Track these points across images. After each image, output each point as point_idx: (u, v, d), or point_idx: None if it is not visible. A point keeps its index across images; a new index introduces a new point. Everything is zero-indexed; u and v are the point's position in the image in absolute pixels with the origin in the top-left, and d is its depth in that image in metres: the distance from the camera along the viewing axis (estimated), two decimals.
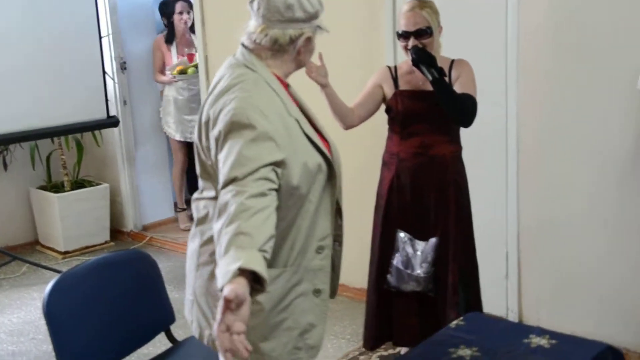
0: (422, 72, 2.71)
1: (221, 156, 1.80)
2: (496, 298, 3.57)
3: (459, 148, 2.94)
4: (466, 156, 3.53)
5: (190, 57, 5.27)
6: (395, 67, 2.98)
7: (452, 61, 2.88)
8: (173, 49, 5.36)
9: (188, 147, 5.52)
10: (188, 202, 5.89)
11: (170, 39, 5.37)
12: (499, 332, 2.19)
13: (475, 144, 3.50)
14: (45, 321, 2.25)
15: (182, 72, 5.23)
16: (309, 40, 1.97)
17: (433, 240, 2.85)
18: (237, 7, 4.45)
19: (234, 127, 1.80)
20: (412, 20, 2.77)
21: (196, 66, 5.15)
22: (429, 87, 2.74)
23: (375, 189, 3.04)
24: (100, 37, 4.98)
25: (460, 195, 2.90)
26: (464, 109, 2.73)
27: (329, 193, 1.97)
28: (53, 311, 2.25)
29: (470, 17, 3.46)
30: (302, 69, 2.15)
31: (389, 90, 2.92)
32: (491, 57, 3.40)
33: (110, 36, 5.27)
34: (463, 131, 3.50)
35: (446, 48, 3.16)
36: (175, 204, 5.68)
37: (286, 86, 2.02)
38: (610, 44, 3.05)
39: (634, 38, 2.96)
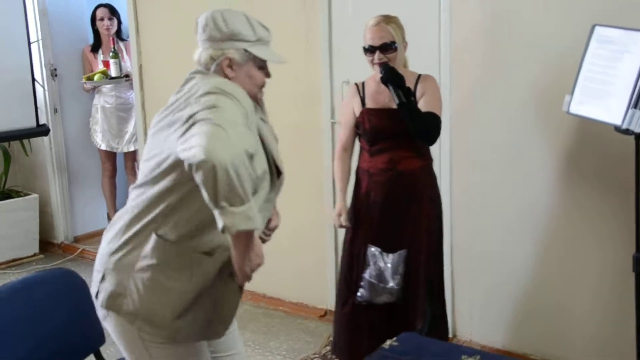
0: (390, 92, 2.75)
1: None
2: None
3: (428, 161, 2.99)
4: None
5: (106, 64, 5.14)
6: (363, 84, 3.01)
7: (419, 76, 2.92)
8: (99, 56, 5.24)
9: (115, 156, 5.42)
10: None
11: (95, 47, 5.25)
12: (432, 353, 2.21)
13: None
14: None
15: (90, 78, 5.11)
16: (232, 64, 2.00)
17: (402, 252, 2.90)
18: (170, 16, 4.43)
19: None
20: (377, 35, 2.82)
21: (105, 73, 5.05)
22: (395, 105, 2.79)
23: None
24: (30, 43, 4.82)
25: (432, 208, 2.96)
26: (428, 129, 2.79)
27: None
28: None
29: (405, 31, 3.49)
30: None
31: (357, 108, 2.98)
32: (425, 70, 3.42)
33: (40, 42, 5.11)
34: None
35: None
36: (108, 215, 5.54)
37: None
38: (539, 62, 3.13)
39: (560, 58, 3.04)
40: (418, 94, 2.88)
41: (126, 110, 5.23)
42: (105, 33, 5.17)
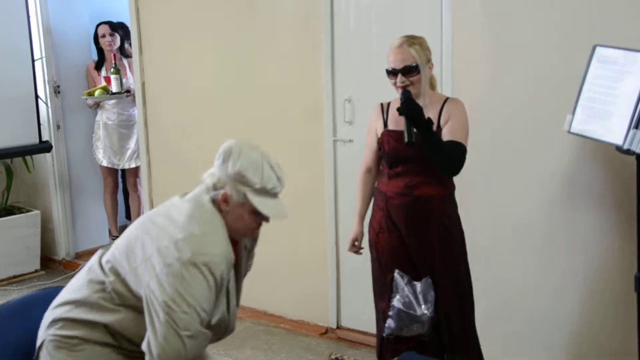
0: (404, 125, 2.61)
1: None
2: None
3: (447, 189, 2.85)
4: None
5: (107, 80, 5.17)
6: (388, 105, 2.91)
7: (446, 100, 2.82)
8: (102, 73, 5.27)
9: (117, 172, 5.45)
10: (123, 229, 5.81)
11: (99, 64, 5.28)
12: None
13: None
14: None
15: (90, 94, 5.14)
16: (228, 199, 2.07)
17: (428, 279, 2.78)
18: (174, 34, 4.45)
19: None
20: (399, 57, 2.72)
21: (105, 88, 5.07)
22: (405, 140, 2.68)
23: None
24: (34, 60, 4.85)
25: (446, 237, 2.82)
26: (450, 160, 2.67)
27: None
28: None
29: None
30: None
31: (379, 129, 2.89)
32: None
33: (44, 59, 5.14)
34: None
35: (380, 81, 3.20)
36: (109, 231, 5.55)
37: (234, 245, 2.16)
38: (545, 80, 3.14)
39: (564, 79, 3.05)
40: (443, 119, 2.76)
41: (128, 127, 5.25)
42: (107, 49, 5.20)
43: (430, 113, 2.73)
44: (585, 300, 3.16)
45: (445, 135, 2.72)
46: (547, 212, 3.21)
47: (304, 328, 4.05)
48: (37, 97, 4.87)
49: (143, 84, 4.66)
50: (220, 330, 2.15)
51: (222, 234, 2.05)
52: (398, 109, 2.64)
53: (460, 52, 3.32)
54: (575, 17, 3.03)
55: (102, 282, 2.11)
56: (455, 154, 2.68)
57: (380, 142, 2.87)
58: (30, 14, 4.90)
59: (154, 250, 2.01)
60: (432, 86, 2.87)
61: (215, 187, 2.08)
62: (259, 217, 2.12)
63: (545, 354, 3.29)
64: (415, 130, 2.58)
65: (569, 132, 2.72)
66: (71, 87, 5.33)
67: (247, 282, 4.06)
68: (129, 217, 5.80)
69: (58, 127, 5.30)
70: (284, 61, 3.94)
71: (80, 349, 2.09)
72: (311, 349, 3.82)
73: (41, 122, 4.91)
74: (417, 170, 2.77)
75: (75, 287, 2.20)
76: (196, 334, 1.97)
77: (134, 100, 4.96)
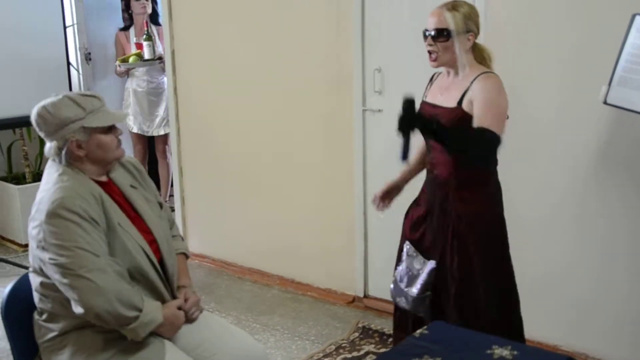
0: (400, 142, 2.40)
1: None
2: None
3: (470, 173, 2.57)
4: None
5: (139, 46, 5.19)
6: (438, 75, 2.75)
7: (476, 77, 2.51)
8: (132, 39, 5.28)
9: (147, 139, 5.49)
10: None
11: (127, 27, 5.30)
12: (463, 342, 2.19)
13: None
14: (2, 321, 2.23)
15: (124, 60, 5.16)
16: (81, 143, 2.13)
17: (431, 263, 2.64)
18: (204, 3, 4.44)
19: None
20: (434, 19, 2.54)
21: (139, 55, 5.09)
22: (444, 103, 2.54)
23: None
24: (65, 27, 4.88)
25: (459, 226, 2.58)
26: (473, 152, 2.44)
27: None
28: (12, 313, 2.22)
29: None
30: None
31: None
32: None
33: (75, 26, 5.17)
34: None
35: (412, 51, 3.16)
36: None
37: (104, 184, 2.23)
38: (575, 40, 3.08)
39: (599, 49, 2.99)
40: (465, 100, 2.49)
41: (157, 94, 5.28)
42: (141, 12, 5.20)
43: (456, 91, 2.53)
44: (628, 281, 3.13)
45: (474, 121, 2.44)
46: (580, 188, 3.17)
47: (331, 296, 4.08)
48: (68, 63, 4.91)
49: (173, 52, 4.66)
50: (143, 257, 2.18)
51: (70, 179, 2.12)
52: (398, 123, 2.37)
53: (493, 21, 3.27)
54: None
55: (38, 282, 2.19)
56: (481, 144, 2.40)
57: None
58: None
59: (29, 229, 2.13)
60: (483, 59, 2.61)
61: (59, 151, 2.15)
62: (110, 134, 2.20)
63: (587, 339, 3.27)
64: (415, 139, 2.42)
65: (604, 103, 2.67)
66: (101, 54, 5.37)
67: (275, 250, 4.10)
68: None
69: None
70: (312, 30, 3.91)
71: (65, 342, 2.15)
72: (338, 317, 3.85)
73: (73, 88, 4.95)
74: (439, 146, 2.55)
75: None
76: (96, 267, 2.02)
77: (164, 68, 4.98)
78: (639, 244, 3.05)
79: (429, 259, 2.66)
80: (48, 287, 2.12)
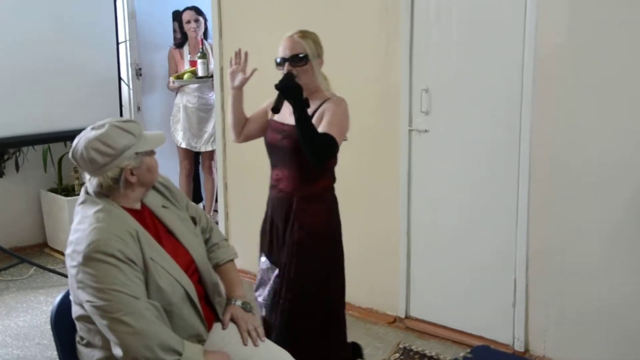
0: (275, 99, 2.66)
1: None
2: (503, 325, 3.55)
3: (312, 187, 2.79)
4: (479, 180, 3.53)
5: (193, 63, 5.30)
6: None
7: (328, 99, 2.79)
8: (186, 57, 5.40)
9: (194, 154, 5.57)
10: None
11: (181, 44, 5.41)
12: None
13: (487, 167, 3.51)
14: (52, 332, 2.27)
15: (179, 77, 5.26)
16: (133, 170, 2.15)
17: (275, 270, 2.85)
18: (253, 18, 4.51)
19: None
20: (288, 46, 2.75)
21: (194, 72, 5.19)
22: (291, 121, 2.69)
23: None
24: (118, 43, 5.01)
25: (303, 237, 2.78)
26: (315, 147, 2.62)
27: None
28: (61, 323, 2.26)
29: (487, 38, 3.45)
30: None
31: (269, 114, 2.90)
32: (507, 80, 3.39)
33: (127, 42, 5.30)
34: (478, 154, 3.52)
35: (459, 72, 3.15)
36: None
37: (138, 214, 2.22)
38: (632, 69, 3.03)
39: None
40: (317, 115, 2.72)
41: (207, 110, 5.37)
42: (192, 35, 5.33)
43: (309, 109, 2.70)
44: None
45: (320, 129, 2.67)
46: (636, 211, 3.11)
47: (373, 316, 4.07)
48: (120, 79, 5.02)
49: (222, 69, 4.73)
50: (177, 292, 2.15)
51: (106, 217, 2.09)
52: (275, 85, 2.64)
53: (543, 42, 3.25)
54: None
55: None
56: (323, 143, 2.63)
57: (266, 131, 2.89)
58: None
59: (67, 264, 2.12)
60: (325, 86, 2.83)
61: (114, 183, 2.13)
62: (153, 155, 2.23)
63: None
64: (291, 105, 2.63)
65: None
66: (151, 70, 5.49)
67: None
68: (197, 200, 5.93)
69: (138, 108, 5.47)
70: (361, 49, 3.94)
71: None
72: (379, 337, 3.84)
73: (123, 103, 5.06)
74: (285, 163, 2.78)
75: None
76: (134, 310, 2.00)
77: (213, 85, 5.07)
78: None
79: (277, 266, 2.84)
80: (86, 319, 2.12)
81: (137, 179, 2.17)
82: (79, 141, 2.13)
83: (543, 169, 3.34)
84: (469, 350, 2.31)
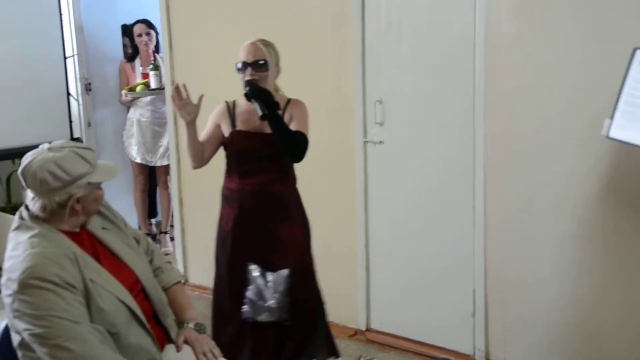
0: (255, 107, 2.78)
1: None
2: (463, 335, 3.55)
3: (294, 184, 3.06)
4: (435, 189, 3.53)
5: (145, 76, 5.21)
6: (234, 103, 3.04)
7: (289, 100, 2.99)
8: (137, 69, 5.30)
9: (149, 169, 5.48)
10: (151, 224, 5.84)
11: (132, 57, 5.32)
12: None
13: (443, 176, 3.51)
14: None
15: (131, 89, 5.17)
16: (81, 199, 2.10)
17: (284, 271, 2.92)
18: (204, 32, 4.44)
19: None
20: (251, 51, 2.88)
21: (146, 84, 5.11)
22: (266, 128, 2.83)
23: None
24: (65, 58, 4.89)
25: (303, 226, 3.06)
26: (296, 145, 2.81)
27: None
28: (4, 351, 2.16)
29: (438, 48, 3.45)
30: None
31: (226, 129, 2.99)
32: (459, 89, 3.39)
33: (76, 57, 5.17)
34: (433, 163, 3.51)
35: (412, 82, 3.12)
36: (139, 227, 5.58)
37: (77, 236, 2.15)
38: (575, 63, 3.06)
39: (597, 76, 2.98)
40: (287, 116, 2.92)
41: (161, 124, 5.27)
42: (144, 49, 5.24)
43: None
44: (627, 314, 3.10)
45: (292, 128, 2.87)
46: (585, 219, 3.14)
47: (334, 329, 3.97)
48: (68, 94, 4.90)
49: (173, 82, 4.65)
50: (121, 313, 2.09)
51: (42, 242, 2.02)
52: (246, 94, 2.81)
53: (493, 53, 3.26)
54: (613, 20, 2.94)
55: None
56: (300, 141, 2.83)
57: (228, 142, 2.97)
58: (63, 12, 4.94)
59: (2, 293, 2.04)
60: (276, 91, 3.01)
61: (60, 208, 2.07)
62: (99, 187, 2.19)
63: None
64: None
65: (607, 137, 2.64)
66: (101, 85, 5.38)
67: None
68: (152, 215, 5.83)
69: (89, 124, 5.34)
70: (314, 60, 3.91)
71: None
72: (340, 350, 3.79)
73: (72, 119, 4.95)
74: (267, 167, 2.94)
75: None
76: (76, 335, 1.93)
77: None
78: None
79: (275, 270, 2.91)
80: (27, 347, 2.03)
81: (82, 207, 2.12)
82: (33, 159, 2.06)
83: (498, 176, 3.35)
84: None
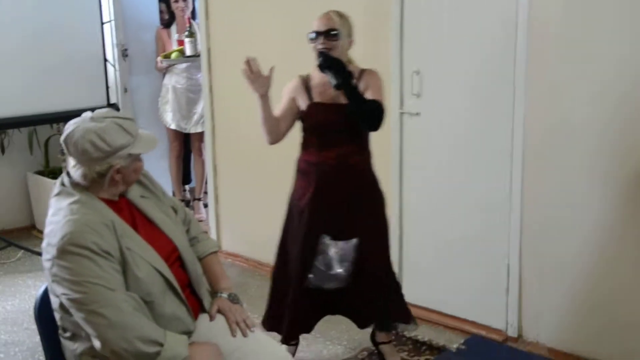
0: (329, 77, 2.79)
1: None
2: (496, 311, 3.53)
3: (371, 155, 3.07)
4: (472, 162, 3.49)
5: (181, 43, 5.22)
6: (308, 77, 3.04)
7: (363, 70, 2.98)
8: (173, 36, 5.31)
9: (184, 136, 5.51)
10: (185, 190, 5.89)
11: (169, 24, 5.32)
12: (500, 359, 2.15)
13: (480, 149, 3.47)
14: (35, 323, 2.25)
15: (166, 56, 5.18)
16: (121, 169, 2.10)
17: (354, 240, 2.96)
18: (240, 1, 4.41)
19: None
20: (324, 21, 2.90)
21: (181, 51, 5.12)
22: (343, 99, 2.83)
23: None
24: (102, 23, 4.91)
25: (382, 198, 3.10)
26: (372, 113, 2.82)
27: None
28: (45, 314, 2.21)
29: (479, 19, 3.38)
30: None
31: (303, 102, 2.99)
32: (499, 62, 3.33)
33: (113, 22, 5.19)
34: (470, 136, 3.47)
35: (451, 53, 3.07)
36: (173, 194, 5.63)
37: (116, 204, 2.17)
38: (621, 54, 2.98)
39: None
40: (362, 86, 2.90)
41: (196, 91, 5.29)
42: (180, 15, 5.24)
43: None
44: None
45: (369, 97, 2.87)
46: (625, 200, 3.08)
47: None
48: (105, 60, 4.93)
49: (209, 50, 4.65)
50: (156, 282, 2.11)
51: (81, 209, 2.05)
52: (319, 65, 2.82)
53: (536, 27, 3.18)
54: None
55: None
56: (377, 109, 2.83)
57: (307, 115, 2.98)
58: None
59: (43, 257, 2.09)
60: (349, 61, 2.98)
61: (100, 177, 2.09)
62: (140, 159, 2.20)
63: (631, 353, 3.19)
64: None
65: None
66: (138, 51, 5.40)
67: None
68: (186, 181, 5.88)
69: (125, 89, 5.38)
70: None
71: None
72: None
73: (109, 84, 4.98)
74: (347, 139, 2.95)
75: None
76: (111, 302, 1.96)
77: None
78: None
79: (345, 239, 2.95)
80: (65, 310, 2.08)
81: (121, 177, 2.13)
82: (75, 128, 2.07)
83: (537, 155, 3.29)
84: (462, 340, 2.28)
